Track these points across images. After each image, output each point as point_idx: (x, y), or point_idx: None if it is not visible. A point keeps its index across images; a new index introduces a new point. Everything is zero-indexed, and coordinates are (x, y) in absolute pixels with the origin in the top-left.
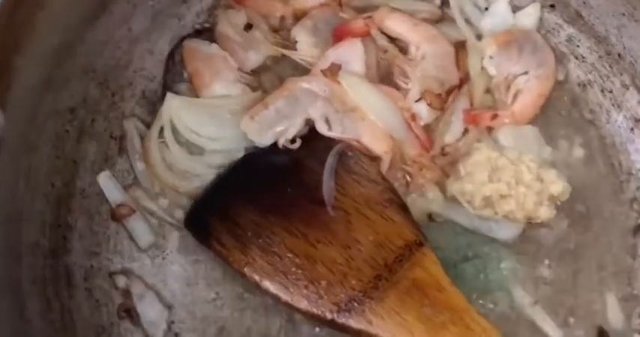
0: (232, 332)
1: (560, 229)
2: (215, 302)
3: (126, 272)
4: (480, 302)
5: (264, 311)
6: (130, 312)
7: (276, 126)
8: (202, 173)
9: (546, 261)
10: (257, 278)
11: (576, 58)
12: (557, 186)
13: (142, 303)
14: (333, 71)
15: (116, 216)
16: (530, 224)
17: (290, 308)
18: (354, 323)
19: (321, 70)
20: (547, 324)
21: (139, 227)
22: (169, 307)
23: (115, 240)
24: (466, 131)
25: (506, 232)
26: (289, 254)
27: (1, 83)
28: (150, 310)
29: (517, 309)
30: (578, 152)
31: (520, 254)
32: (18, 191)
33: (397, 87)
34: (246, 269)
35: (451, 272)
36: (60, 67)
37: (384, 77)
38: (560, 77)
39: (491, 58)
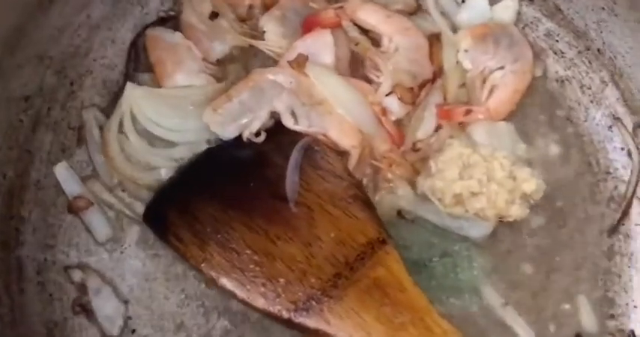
0: (192, 328)
1: (534, 228)
2: (174, 297)
3: (82, 266)
4: (451, 301)
5: (224, 307)
6: (84, 307)
7: (240, 118)
8: (163, 165)
9: (519, 261)
10: (214, 274)
11: (555, 53)
12: (530, 184)
13: (97, 298)
14: (300, 62)
15: (73, 208)
16: (503, 222)
17: (247, 305)
18: (311, 322)
19: (288, 61)
20: (518, 325)
21: (96, 220)
22: (126, 302)
23: (71, 232)
24: (439, 127)
25: (477, 230)
26: (248, 251)
27: None
28: (106, 305)
29: (488, 310)
30: (555, 150)
31: (492, 253)
32: None
33: (368, 81)
34: (203, 266)
35: (421, 270)
36: (12, 55)
37: (355, 70)
38: (539, 73)
39: (466, 51)
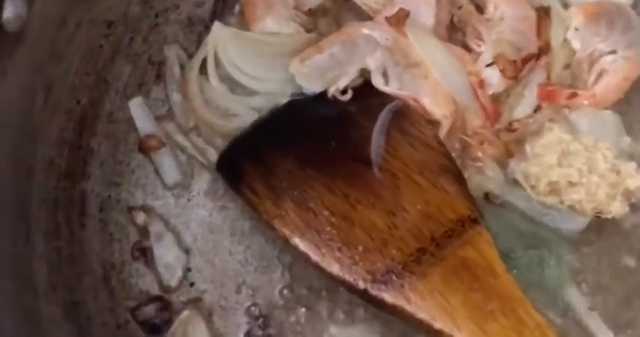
0: (254, 290)
1: (631, 229)
2: (238, 255)
3: (146, 209)
4: (530, 295)
5: (290, 272)
6: (144, 252)
7: (328, 72)
8: (242, 113)
9: (611, 263)
10: (287, 232)
11: None
12: (636, 180)
13: (159, 244)
14: (399, 19)
15: (144, 147)
16: (599, 219)
17: (320, 271)
18: (389, 297)
19: (386, 18)
20: (602, 334)
21: (166, 162)
22: (187, 252)
23: (138, 172)
24: (539, 108)
25: (571, 224)
26: (325, 212)
27: None
28: (167, 253)
29: (570, 312)
30: None
31: (584, 251)
32: (37, 100)
33: (468, 50)
34: (275, 222)
35: (504, 260)
36: None
37: (455, 36)
38: None
39: (576, 30)
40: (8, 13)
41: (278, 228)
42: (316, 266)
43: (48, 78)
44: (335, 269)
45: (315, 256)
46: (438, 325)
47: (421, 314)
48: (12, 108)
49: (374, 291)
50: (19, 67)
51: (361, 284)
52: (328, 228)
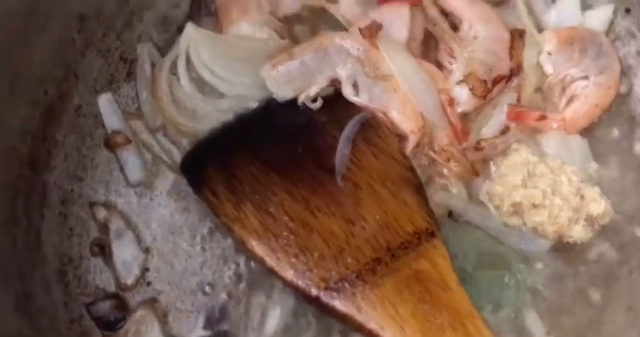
0: (210, 292)
1: (594, 256)
2: (197, 257)
3: (108, 206)
4: (485, 314)
5: (249, 275)
6: (103, 249)
7: (298, 79)
8: (209, 115)
9: (571, 288)
10: (245, 235)
11: None
12: (599, 206)
13: (118, 242)
14: (372, 31)
15: (110, 143)
16: (565, 243)
17: (275, 275)
18: (340, 305)
19: (360, 28)
20: None
21: (131, 159)
22: (147, 252)
23: (103, 168)
24: (507, 129)
25: (533, 246)
26: (285, 218)
27: None
28: (125, 250)
29: (524, 333)
30: (630, 175)
31: (544, 274)
32: (1, 87)
33: (440, 67)
34: (234, 225)
35: (464, 277)
36: None
37: (426, 53)
38: (623, 90)
39: (549, 54)
40: None
41: (236, 231)
42: (271, 271)
43: (13, 65)
44: (289, 274)
45: (270, 261)
46: (386, 335)
47: (371, 324)
48: None
49: (326, 299)
50: None
51: (314, 291)
52: (286, 233)
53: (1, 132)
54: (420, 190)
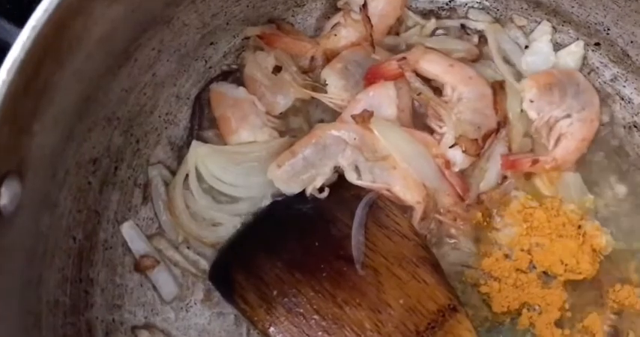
0: None
1: None
2: None
3: (148, 326)
4: None
5: None
6: None
7: (303, 174)
8: (227, 221)
9: None
10: None
11: (622, 98)
12: (600, 240)
13: None
14: (364, 118)
15: (140, 267)
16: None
17: None
18: None
19: (352, 116)
20: None
21: (162, 278)
22: None
23: (138, 292)
24: (504, 179)
25: None
26: (315, 316)
27: (19, 150)
28: None
29: None
30: (624, 200)
31: None
32: (37, 252)
33: (431, 131)
34: (271, 330)
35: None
36: (81, 121)
37: (417, 119)
38: (605, 119)
39: (531, 101)
40: (4, 199)
41: (273, 336)
42: None
43: (45, 227)
44: None
45: None
46: None
47: None
48: (13, 256)
49: None
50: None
51: None
52: (320, 333)
53: (46, 291)
54: (435, 265)
